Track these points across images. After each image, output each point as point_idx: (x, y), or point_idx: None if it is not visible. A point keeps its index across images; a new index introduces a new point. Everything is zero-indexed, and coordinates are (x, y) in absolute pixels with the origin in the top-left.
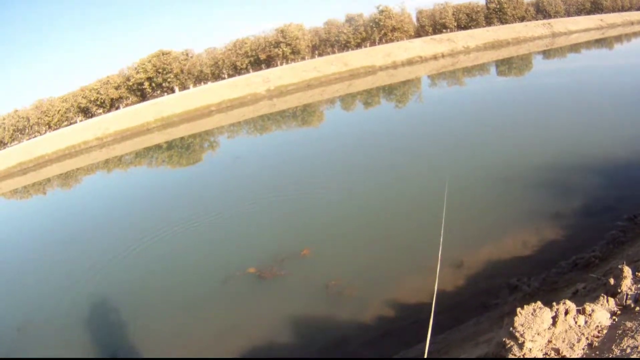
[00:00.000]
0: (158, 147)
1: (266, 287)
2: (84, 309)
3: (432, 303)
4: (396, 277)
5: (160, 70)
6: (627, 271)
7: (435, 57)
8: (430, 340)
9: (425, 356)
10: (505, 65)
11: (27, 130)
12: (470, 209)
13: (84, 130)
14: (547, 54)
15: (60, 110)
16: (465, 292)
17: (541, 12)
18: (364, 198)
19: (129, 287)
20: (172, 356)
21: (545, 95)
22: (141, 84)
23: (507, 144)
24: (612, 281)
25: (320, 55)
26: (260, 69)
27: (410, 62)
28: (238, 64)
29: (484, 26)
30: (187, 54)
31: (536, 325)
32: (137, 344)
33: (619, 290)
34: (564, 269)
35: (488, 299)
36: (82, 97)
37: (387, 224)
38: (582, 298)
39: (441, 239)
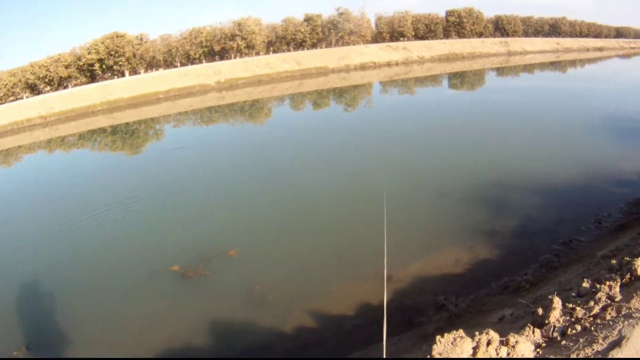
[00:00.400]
0: (102, 130)
1: (189, 287)
2: None
3: (382, 308)
4: (324, 285)
5: (112, 53)
6: (557, 302)
7: (389, 64)
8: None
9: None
10: (458, 79)
11: None
12: (404, 221)
13: (28, 108)
14: (500, 71)
15: (7, 84)
16: (390, 307)
17: (499, 30)
18: (300, 201)
19: (51, 274)
20: (89, 355)
21: (495, 112)
22: (92, 65)
23: (450, 157)
24: (540, 311)
25: (275, 52)
26: (214, 60)
27: (363, 67)
28: (192, 53)
29: (441, 38)
30: (141, 39)
31: (455, 355)
32: (52, 335)
33: (547, 322)
34: (494, 291)
35: (413, 316)
36: (31, 73)
37: (321, 229)
38: (508, 325)
39: (385, 247)
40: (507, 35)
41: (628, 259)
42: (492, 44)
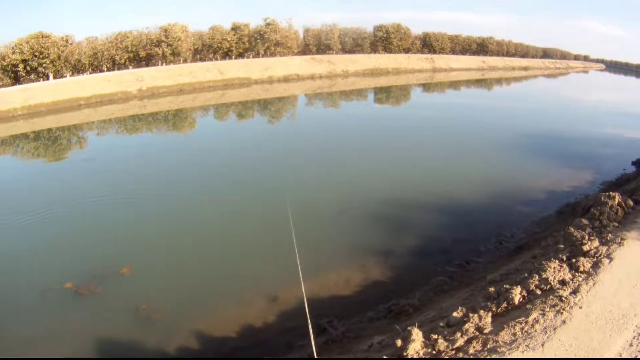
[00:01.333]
0: (25, 136)
1: (79, 305)
2: None
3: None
4: (212, 305)
5: (37, 54)
6: (416, 334)
7: (312, 77)
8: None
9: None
10: (383, 93)
11: None
12: (299, 239)
13: None
14: (426, 87)
15: None
16: (272, 329)
17: (427, 47)
18: (204, 218)
19: None
20: None
21: (415, 127)
22: (16, 65)
23: (360, 172)
24: (399, 342)
25: (202, 60)
26: (140, 66)
27: (286, 79)
28: (117, 58)
29: (368, 53)
30: (67, 40)
31: None
32: None
33: (405, 354)
34: (378, 314)
35: (294, 339)
36: None
37: (218, 247)
38: (374, 354)
39: (297, 259)
40: (435, 52)
41: (507, 286)
42: (417, 60)
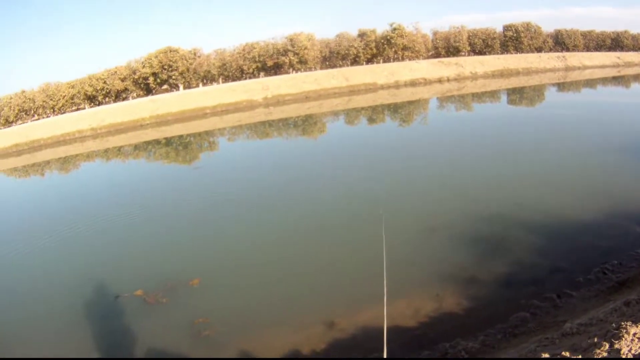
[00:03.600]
0: (157, 142)
1: (143, 314)
2: None
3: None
4: (264, 327)
5: (165, 67)
6: None
7: (440, 81)
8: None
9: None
10: (516, 95)
11: (31, 112)
12: (372, 258)
13: (79, 120)
14: (560, 86)
15: (65, 95)
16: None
17: (560, 45)
18: (290, 229)
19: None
20: None
21: (548, 130)
22: (146, 78)
23: (475, 183)
24: None
25: (331, 67)
26: (269, 75)
27: (413, 83)
28: (245, 68)
29: (498, 53)
30: (194, 53)
31: None
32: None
33: None
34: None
35: None
36: (89, 85)
37: (295, 265)
38: None
39: (384, 276)
40: (568, 49)
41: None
42: (548, 59)
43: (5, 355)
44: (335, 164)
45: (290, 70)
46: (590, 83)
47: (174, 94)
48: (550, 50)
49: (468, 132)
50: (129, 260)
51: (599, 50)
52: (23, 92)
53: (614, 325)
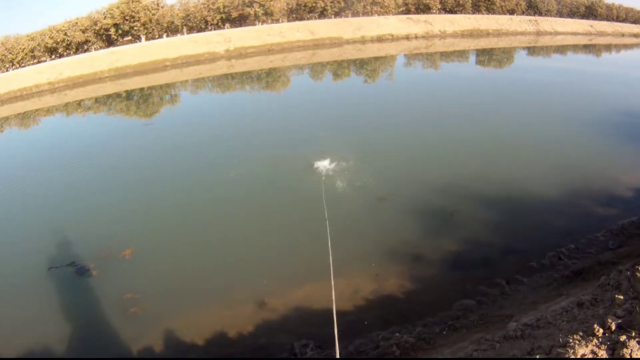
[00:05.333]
0: (117, 95)
1: (73, 286)
2: None
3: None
4: (197, 304)
5: (127, 18)
6: None
7: (407, 38)
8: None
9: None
10: (485, 56)
11: None
12: (318, 231)
13: (37, 74)
14: (530, 50)
15: (25, 48)
16: (242, 343)
17: (532, 8)
18: (230, 196)
19: None
20: None
21: (517, 92)
22: (108, 29)
23: (426, 149)
24: None
25: (299, 19)
26: (235, 26)
27: (380, 39)
28: (209, 19)
29: (470, 13)
30: (157, 4)
31: None
32: None
33: None
34: (365, 347)
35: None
36: (49, 37)
37: (235, 233)
38: None
39: (330, 257)
40: (540, 14)
41: None
42: (520, 22)
43: None
44: (290, 120)
45: (256, 22)
46: (561, 49)
47: (133, 46)
48: (523, 13)
49: (432, 93)
50: (66, 225)
51: (572, 17)
52: None
53: (560, 339)
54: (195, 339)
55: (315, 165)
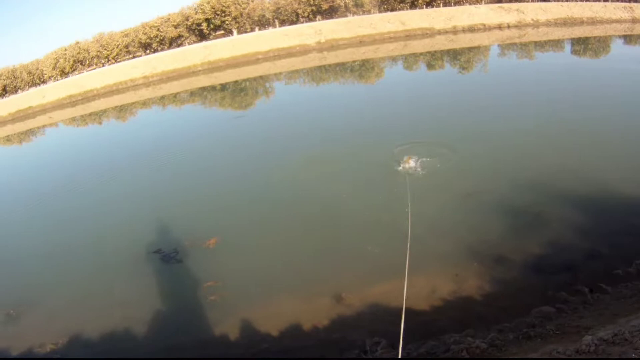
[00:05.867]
0: (212, 88)
1: (158, 273)
2: None
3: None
4: (277, 295)
5: (218, 12)
6: None
7: (499, 27)
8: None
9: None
10: (581, 45)
11: (86, 62)
12: (396, 227)
13: (132, 69)
14: (627, 39)
15: (119, 44)
16: (316, 336)
17: None
18: (318, 189)
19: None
20: None
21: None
22: (199, 24)
23: (520, 142)
24: None
25: (390, 10)
26: (325, 18)
27: (471, 29)
28: (300, 11)
29: (563, 0)
30: None
31: None
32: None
33: None
34: (436, 349)
35: (326, 354)
36: (143, 33)
37: (318, 227)
38: None
39: (408, 253)
40: (635, 0)
41: None
42: (615, 9)
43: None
44: (382, 112)
45: (347, 13)
46: None
47: (225, 40)
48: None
49: (529, 84)
50: (156, 214)
51: None
52: (77, 43)
53: None
54: (270, 330)
55: (403, 158)
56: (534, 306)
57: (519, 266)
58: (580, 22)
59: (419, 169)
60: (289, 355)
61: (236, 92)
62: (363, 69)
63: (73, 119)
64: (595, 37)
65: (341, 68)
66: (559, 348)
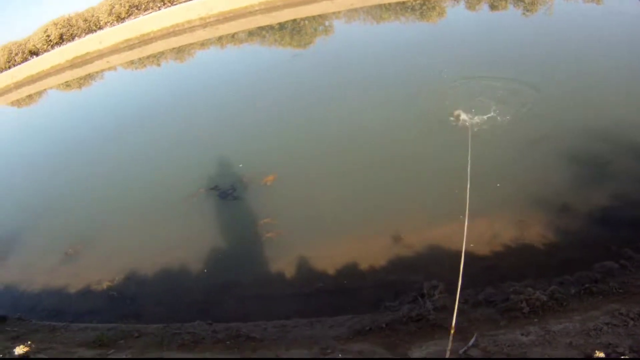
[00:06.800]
0: (270, 27)
1: (217, 208)
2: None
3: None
4: (334, 234)
5: None
6: None
7: None
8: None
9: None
10: None
11: (142, 6)
12: (461, 167)
13: (188, 10)
14: None
15: None
16: (371, 277)
17: None
18: (376, 128)
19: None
20: None
21: None
22: None
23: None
24: None
25: None
26: None
27: None
28: None
29: None
30: None
31: None
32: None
33: None
34: (493, 298)
35: (384, 298)
36: None
37: (376, 166)
38: None
39: (467, 201)
40: None
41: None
42: None
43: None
44: (443, 53)
45: None
46: None
47: None
48: None
49: (596, 29)
50: (215, 151)
51: None
52: None
53: None
54: (327, 268)
55: (467, 100)
56: (597, 260)
57: (583, 217)
58: None
59: (484, 110)
60: (344, 294)
61: (295, 31)
62: (424, 7)
63: (131, 62)
64: None
65: (402, 7)
66: (621, 309)
